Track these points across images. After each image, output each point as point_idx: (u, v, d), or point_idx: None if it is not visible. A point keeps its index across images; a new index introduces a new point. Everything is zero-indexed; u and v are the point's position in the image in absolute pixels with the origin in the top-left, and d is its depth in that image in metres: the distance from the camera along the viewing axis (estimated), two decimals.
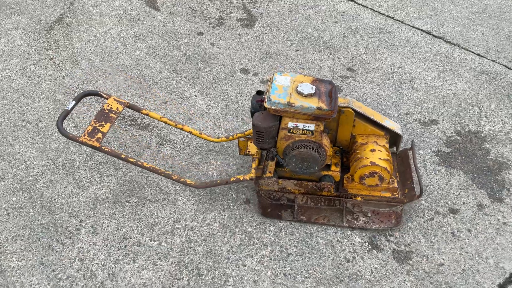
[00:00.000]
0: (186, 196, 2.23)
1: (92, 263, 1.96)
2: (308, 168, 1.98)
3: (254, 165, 2.08)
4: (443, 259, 1.95)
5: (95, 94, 2.11)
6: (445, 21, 3.64)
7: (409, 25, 3.60)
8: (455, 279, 1.88)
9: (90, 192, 2.27)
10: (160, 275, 1.91)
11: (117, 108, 2.04)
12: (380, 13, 3.76)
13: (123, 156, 1.98)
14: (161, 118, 2.20)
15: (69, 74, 3.09)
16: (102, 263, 1.96)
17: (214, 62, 3.21)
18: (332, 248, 2.00)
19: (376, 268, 1.92)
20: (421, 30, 3.54)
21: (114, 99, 2.08)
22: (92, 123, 1.95)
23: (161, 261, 1.96)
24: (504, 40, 3.41)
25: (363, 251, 1.99)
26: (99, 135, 1.93)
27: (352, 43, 3.39)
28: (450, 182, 2.29)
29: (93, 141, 1.91)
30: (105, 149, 1.94)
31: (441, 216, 2.12)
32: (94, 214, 2.16)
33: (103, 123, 1.97)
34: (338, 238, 2.04)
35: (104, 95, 2.10)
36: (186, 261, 1.96)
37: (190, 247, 2.01)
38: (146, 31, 3.57)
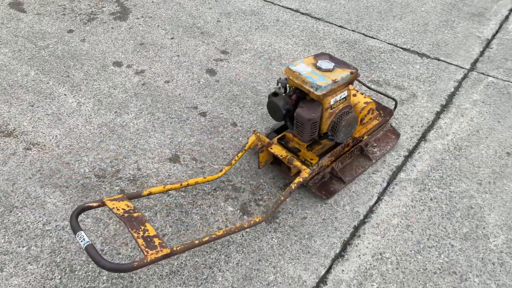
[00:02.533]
0: (56, 197, 2.18)
1: None
2: (351, 131, 2.12)
3: (298, 163, 2.08)
4: (306, 213, 2.13)
5: (88, 208, 1.75)
6: None
7: (279, 5, 3.79)
8: (317, 229, 2.07)
9: None
10: (30, 279, 1.86)
11: (127, 206, 1.76)
12: None
13: (196, 242, 1.71)
14: (164, 187, 1.98)
15: None
16: None
17: (85, 58, 3.12)
18: (206, 221, 2.09)
19: (246, 231, 2.05)
20: (290, 9, 3.75)
21: (110, 200, 1.78)
22: (135, 235, 1.64)
23: (31, 265, 1.91)
24: (363, 10, 3.73)
25: (235, 219, 2.10)
26: (157, 240, 1.64)
27: (226, 27, 3.49)
28: None
29: (161, 251, 1.61)
30: (179, 249, 1.67)
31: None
32: None
33: (141, 227, 1.66)
34: (212, 211, 2.14)
35: (95, 205, 1.77)
36: (58, 261, 1.92)
37: (62, 246, 1.98)
38: (10, 34, 3.36)
